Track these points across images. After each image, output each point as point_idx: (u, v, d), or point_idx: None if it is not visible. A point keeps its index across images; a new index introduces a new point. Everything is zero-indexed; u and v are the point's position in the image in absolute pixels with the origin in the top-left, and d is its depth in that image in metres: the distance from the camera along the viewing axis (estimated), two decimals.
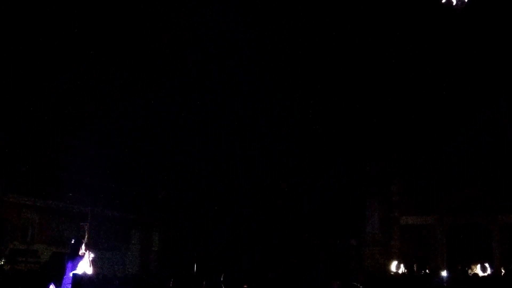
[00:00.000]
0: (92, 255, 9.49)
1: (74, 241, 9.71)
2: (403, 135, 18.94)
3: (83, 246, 9.61)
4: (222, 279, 10.73)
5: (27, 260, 13.25)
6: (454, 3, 9.17)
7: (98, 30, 13.81)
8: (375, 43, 14.69)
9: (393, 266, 17.30)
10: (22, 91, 14.24)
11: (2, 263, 13.05)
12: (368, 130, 18.41)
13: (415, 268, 17.54)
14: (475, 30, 13.61)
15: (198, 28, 14.46)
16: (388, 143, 19.19)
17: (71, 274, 8.95)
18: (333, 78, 16.51)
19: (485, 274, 14.76)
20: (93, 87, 15.48)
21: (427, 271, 17.22)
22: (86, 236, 10.30)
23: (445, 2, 9.30)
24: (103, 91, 15.83)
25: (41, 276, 11.77)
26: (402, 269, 17.02)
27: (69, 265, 9.28)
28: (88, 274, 9.25)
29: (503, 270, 15.80)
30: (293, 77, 16.22)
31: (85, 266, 9.33)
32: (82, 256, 9.47)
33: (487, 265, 15.29)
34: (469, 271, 15.97)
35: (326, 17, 14.10)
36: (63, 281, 9.02)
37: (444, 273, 15.58)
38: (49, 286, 9.36)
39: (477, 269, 15.56)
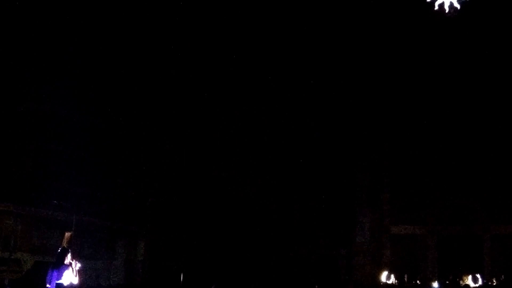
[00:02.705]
0: (78, 264, 9.48)
1: (60, 250, 9.69)
2: (394, 144, 19.18)
3: (69, 255, 9.59)
4: None
5: (9, 269, 13.17)
6: (447, 10, 9.39)
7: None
8: (366, 52, 14.91)
9: (383, 276, 17.42)
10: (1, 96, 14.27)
11: None
12: (359, 139, 18.62)
13: (405, 279, 17.69)
14: (463, 39, 13.90)
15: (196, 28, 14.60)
16: (379, 151, 19.40)
17: (56, 284, 8.94)
18: (323, 87, 16.71)
19: (476, 285, 14.94)
20: (79, 91, 15.52)
21: (418, 282, 17.38)
22: (69, 245, 10.28)
23: (437, 9, 9.51)
24: (89, 95, 15.88)
25: (24, 285, 11.75)
26: (392, 280, 17.16)
27: (54, 274, 9.25)
28: (74, 284, 9.25)
29: (494, 281, 15.99)
30: (284, 87, 16.39)
31: (70, 275, 9.32)
32: (67, 266, 9.45)
33: (478, 276, 15.49)
34: (460, 282, 16.17)
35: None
36: None
37: (435, 284, 15.75)
38: None
39: (468, 280, 15.76)
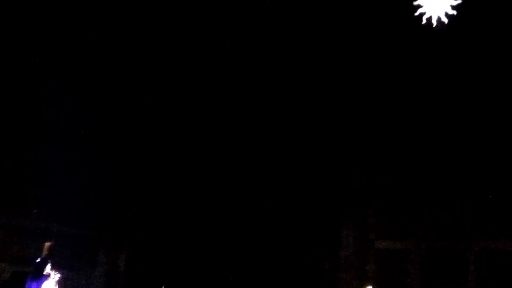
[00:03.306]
0: (58, 275, 9.42)
1: (39, 260, 9.62)
2: (380, 159, 19.31)
3: (48, 266, 9.53)
4: None
5: None
6: (435, 24, 9.52)
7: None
8: (353, 64, 15.06)
9: None
10: None
11: None
12: (345, 154, 18.72)
13: None
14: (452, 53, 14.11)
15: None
16: (364, 166, 19.51)
17: None
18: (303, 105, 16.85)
19: None
20: (64, 98, 15.46)
21: None
22: (49, 255, 10.18)
23: (425, 23, 9.63)
24: (71, 101, 15.81)
25: None
26: None
27: (33, 285, 9.19)
28: None
29: None
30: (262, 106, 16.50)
31: (50, 287, 9.26)
32: (47, 276, 9.39)
33: None
34: None
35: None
36: None
37: None
38: None
39: None
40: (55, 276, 9.54)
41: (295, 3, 13.95)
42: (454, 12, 9.17)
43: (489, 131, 17.54)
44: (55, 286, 9.31)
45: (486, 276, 18.46)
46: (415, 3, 9.27)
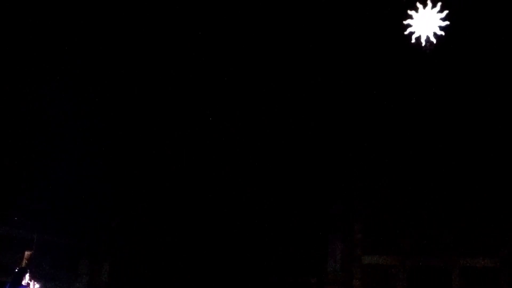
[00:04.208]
0: (37, 285, 9.39)
1: (18, 270, 9.57)
2: (367, 174, 19.42)
3: (27, 276, 9.48)
4: None
5: None
6: (423, 44, 9.70)
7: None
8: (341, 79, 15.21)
9: None
10: None
11: None
12: (332, 167, 18.81)
13: None
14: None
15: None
16: (351, 180, 19.61)
17: None
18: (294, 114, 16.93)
19: None
20: (53, 100, 15.44)
21: None
22: (28, 264, 10.16)
23: (414, 43, 9.81)
24: (55, 105, 15.78)
25: None
26: None
27: None
28: None
29: None
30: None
31: None
32: (26, 286, 9.36)
33: None
34: None
35: None
36: None
37: None
38: None
39: None
40: (34, 287, 9.49)
41: (294, 6, 14.08)
42: (442, 33, 9.35)
43: (475, 152, 17.78)
44: None
45: None
46: (404, 22, 9.44)
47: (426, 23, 9.41)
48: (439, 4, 9.52)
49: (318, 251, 20.22)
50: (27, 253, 9.85)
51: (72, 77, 15.48)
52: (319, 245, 20.22)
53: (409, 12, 9.83)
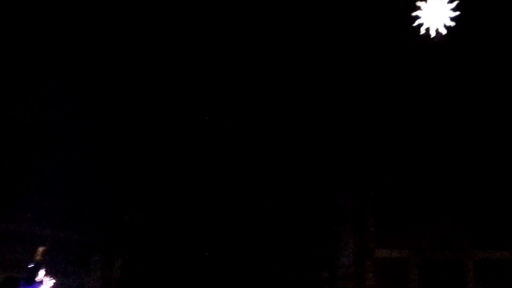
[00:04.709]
0: (52, 281, 9.54)
1: (32, 266, 9.73)
2: (379, 166, 19.40)
3: (41, 271, 9.64)
4: None
5: None
6: (432, 35, 9.64)
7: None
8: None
9: None
10: None
11: None
12: (343, 161, 18.82)
13: None
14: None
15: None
16: (363, 173, 19.61)
17: None
18: (303, 105, 16.94)
19: None
20: (54, 102, 15.58)
21: None
22: (42, 260, 10.31)
23: (423, 34, 9.77)
24: (63, 105, 15.93)
25: None
26: None
27: None
28: None
29: None
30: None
31: None
32: (40, 283, 9.51)
33: None
34: None
35: None
36: None
37: None
38: None
39: None
40: (48, 282, 9.64)
41: (294, 4, 14.09)
42: (453, 24, 9.26)
43: (489, 140, 17.68)
44: None
45: (486, 286, 18.56)
46: (413, 14, 9.36)
47: (435, 14, 9.31)
48: None
49: (329, 245, 20.23)
50: (40, 249, 10.00)
51: (76, 75, 15.60)
52: (331, 239, 20.21)
53: (418, 3, 9.74)
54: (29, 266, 9.91)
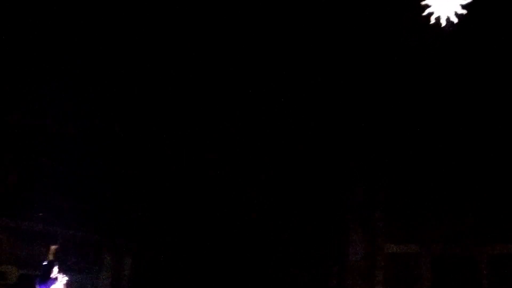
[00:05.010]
0: (66, 278, 9.59)
1: (46, 263, 9.78)
2: (388, 161, 19.38)
3: (55, 269, 9.68)
4: None
5: None
6: (443, 24, 9.51)
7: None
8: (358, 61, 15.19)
9: None
10: None
11: None
12: (351, 155, 18.82)
13: None
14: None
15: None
16: (372, 168, 19.60)
17: None
18: (308, 100, 16.95)
19: None
20: (66, 102, 15.65)
21: None
22: (55, 258, 10.37)
23: (433, 23, 9.66)
24: (77, 107, 16.02)
25: None
26: None
27: None
28: None
29: None
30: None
31: None
32: (55, 279, 9.55)
33: None
34: None
35: None
36: None
37: None
38: None
39: None
40: (62, 279, 9.69)
41: (295, 2, 14.09)
42: (464, 11, 9.12)
43: (502, 134, 17.58)
44: None
45: (500, 282, 18.47)
46: (423, 3, 9.24)
47: (446, 2, 9.16)
48: None
49: (339, 240, 20.25)
50: (52, 247, 10.07)
51: (77, 76, 15.64)
52: (340, 234, 20.24)
53: None
54: (42, 264, 9.97)
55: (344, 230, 20.22)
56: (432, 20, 9.45)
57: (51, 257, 10.06)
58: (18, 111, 14.79)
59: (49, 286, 9.40)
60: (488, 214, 18.62)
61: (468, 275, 18.66)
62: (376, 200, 20.05)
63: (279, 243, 20.22)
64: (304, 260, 20.51)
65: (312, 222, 20.24)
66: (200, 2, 14.25)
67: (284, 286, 19.92)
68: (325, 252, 20.45)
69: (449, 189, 18.94)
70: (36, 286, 9.45)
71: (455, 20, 9.13)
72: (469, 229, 18.98)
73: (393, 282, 19.45)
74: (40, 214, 14.45)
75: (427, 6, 9.26)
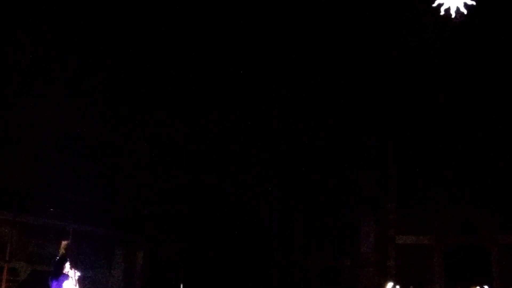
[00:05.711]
0: (78, 273, 9.59)
1: (58, 259, 9.79)
2: (400, 152, 19.32)
3: (67, 264, 9.68)
4: None
5: (5, 278, 13.27)
6: (453, 15, 9.51)
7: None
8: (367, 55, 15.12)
9: (388, 287, 17.53)
10: None
11: None
12: (363, 147, 18.78)
13: None
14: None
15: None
16: (384, 159, 19.55)
17: None
18: (321, 92, 16.91)
19: None
20: (77, 96, 15.71)
21: None
22: (66, 253, 10.41)
23: (444, 14, 9.65)
24: (87, 102, 16.08)
25: None
26: None
27: (53, 284, 9.35)
28: None
29: None
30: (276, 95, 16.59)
31: (70, 285, 9.42)
32: (67, 275, 9.55)
33: (486, 287, 15.58)
34: None
35: None
36: None
37: None
38: None
39: None
40: (75, 275, 9.71)
41: (296, 2, 14.05)
42: (473, 2, 9.12)
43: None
44: (76, 284, 9.49)
45: (510, 271, 18.44)
46: None
47: None
48: None
49: (351, 233, 20.27)
50: (63, 242, 10.08)
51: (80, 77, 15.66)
52: (352, 226, 20.26)
53: None
54: (55, 259, 10.02)
55: (356, 223, 20.28)
56: (442, 11, 9.45)
57: (61, 252, 10.08)
58: (34, 107, 14.87)
59: (61, 282, 9.41)
60: (499, 205, 18.59)
61: (480, 263, 18.66)
62: (387, 193, 20.06)
63: (292, 237, 20.29)
64: (316, 252, 20.55)
65: (325, 215, 20.26)
66: (200, 2, 14.25)
67: (297, 278, 19.99)
68: (337, 245, 20.47)
69: (461, 180, 18.91)
70: (49, 282, 9.48)
71: (464, 11, 9.13)
72: (481, 219, 18.95)
73: (406, 273, 19.50)
74: (51, 209, 14.53)
75: None
